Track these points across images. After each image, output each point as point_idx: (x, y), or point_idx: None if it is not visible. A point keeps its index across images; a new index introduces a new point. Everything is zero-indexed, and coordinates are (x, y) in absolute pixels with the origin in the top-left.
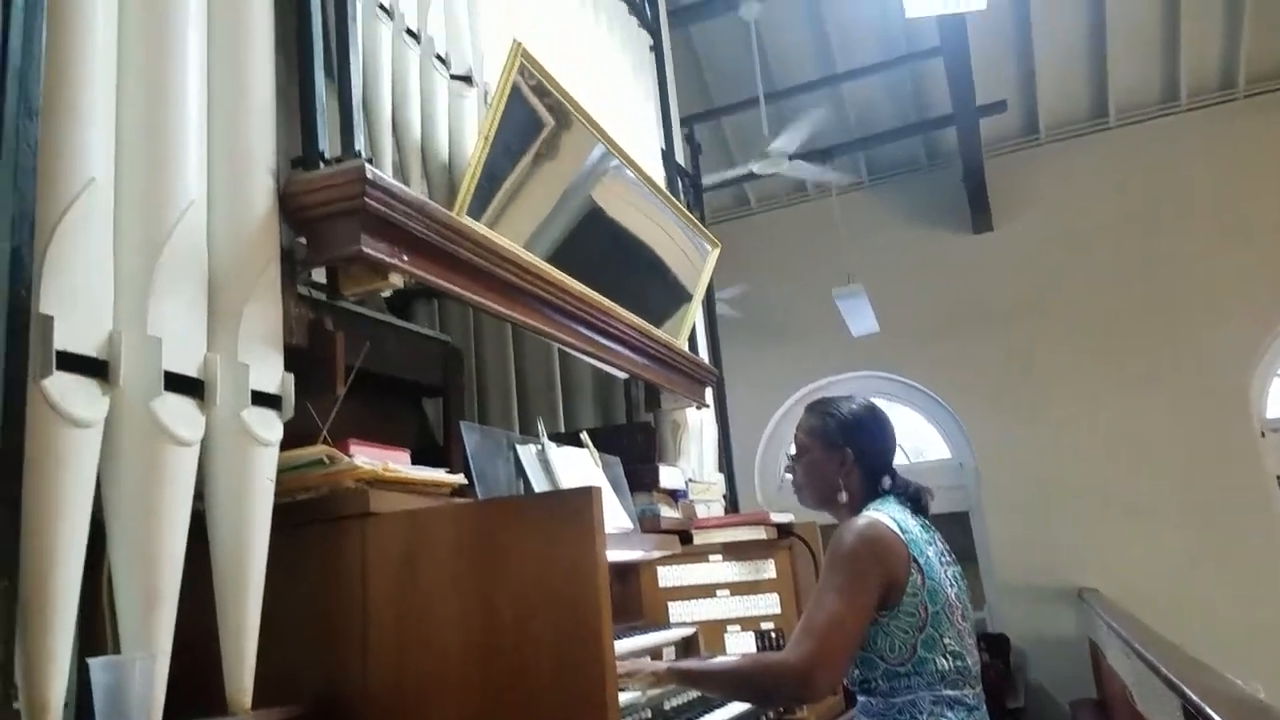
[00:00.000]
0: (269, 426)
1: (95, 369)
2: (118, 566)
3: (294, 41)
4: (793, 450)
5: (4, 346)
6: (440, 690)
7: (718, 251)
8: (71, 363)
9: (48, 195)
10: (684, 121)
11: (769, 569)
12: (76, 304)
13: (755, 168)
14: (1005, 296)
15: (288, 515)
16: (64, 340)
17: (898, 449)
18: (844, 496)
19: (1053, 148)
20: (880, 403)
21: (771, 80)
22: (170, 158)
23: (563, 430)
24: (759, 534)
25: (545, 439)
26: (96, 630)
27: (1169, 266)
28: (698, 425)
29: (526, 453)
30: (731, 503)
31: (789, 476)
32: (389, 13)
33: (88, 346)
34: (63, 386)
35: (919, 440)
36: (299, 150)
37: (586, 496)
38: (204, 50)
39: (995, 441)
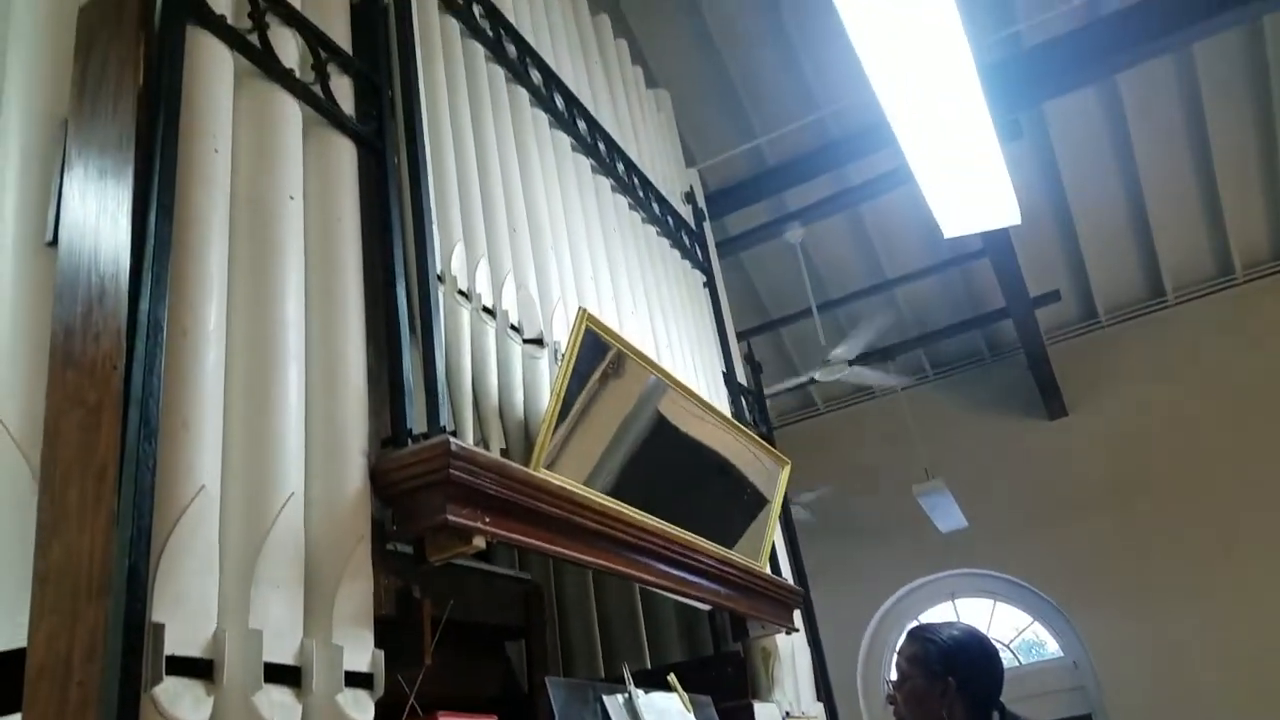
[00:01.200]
0: (361, 708)
1: (201, 670)
2: None
3: (383, 331)
4: (894, 676)
5: (121, 661)
6: None
7: (789, 469)
8: (179, 666)
9: (161, 508)
10: (741, 336)
11: None
12: (185, 607)
13: (818, 375)
14: (1094, 480)
15: None
16: (173, 645)
17: (1006, 651)
18: None
19: (1115, 329)
20: (981, 602)
21: (824, 290)
22: (272, 455)
23: (649, 665)
24: None
25: (632, 686)
26: None
27: (1264, 437)
28: (789, 651)
29: (614, 704)
30: None
31: (891, 706)
32: (467, 296)
33: (194, 648)
34: (171, 693)
35: (1027, 638)
36: (388, 430)
37: None
38: (303, 351)
39: (1108, 634)
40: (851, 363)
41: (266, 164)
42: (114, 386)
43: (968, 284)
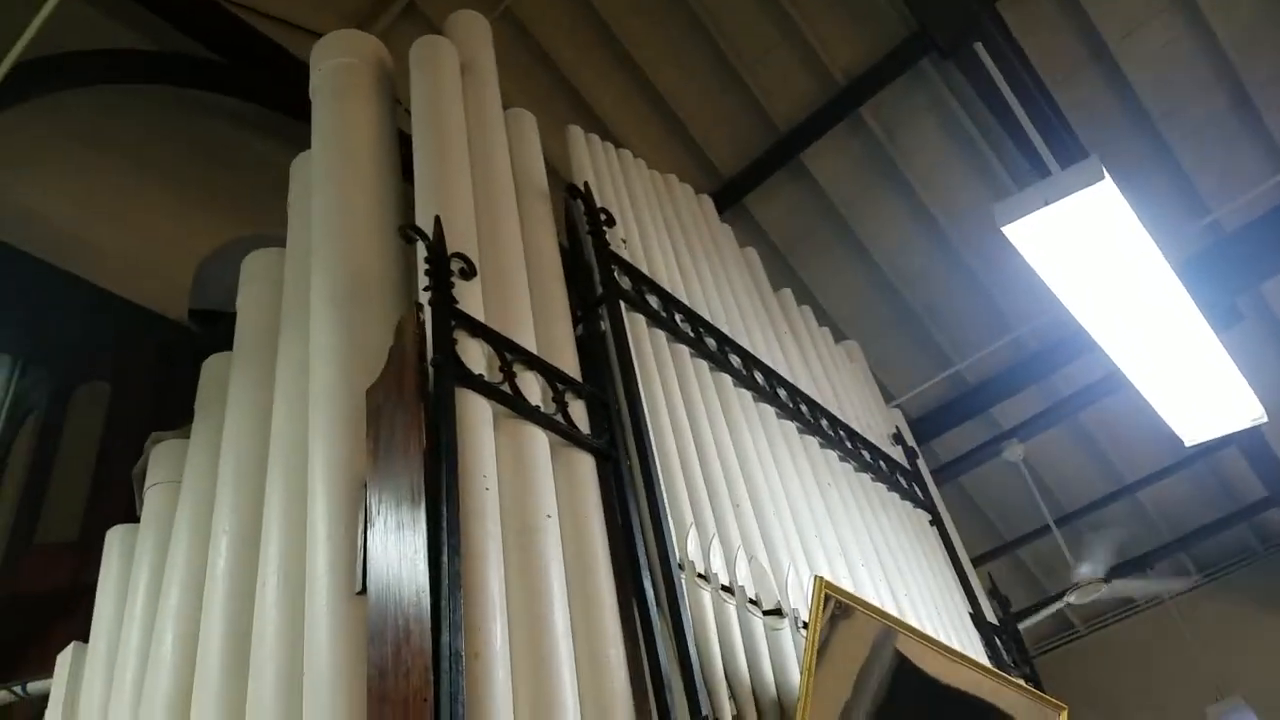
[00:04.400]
0: None
1: None
2: None
3: (636, 624)
4: None
5: None
6: None
7: (1065, 714)
8: None
9: None
10: (976, 562)
11: None
12: None
13: (1072, 599)
14: None
15: None
16: None
17: None
18: None
19: None
20: None
21: (1058, 505)
22: None
23: None
24: None
25: None
26: None
27: None
28: None
29: None
30: None
31: None
32: (706, 578)
33: None
34: None
35: None
36: None
37: None
38: (573, 657)
39: None
40: (1107, 578)
41: (526, 490)
42: (426, 717)
43: (1219, 476)
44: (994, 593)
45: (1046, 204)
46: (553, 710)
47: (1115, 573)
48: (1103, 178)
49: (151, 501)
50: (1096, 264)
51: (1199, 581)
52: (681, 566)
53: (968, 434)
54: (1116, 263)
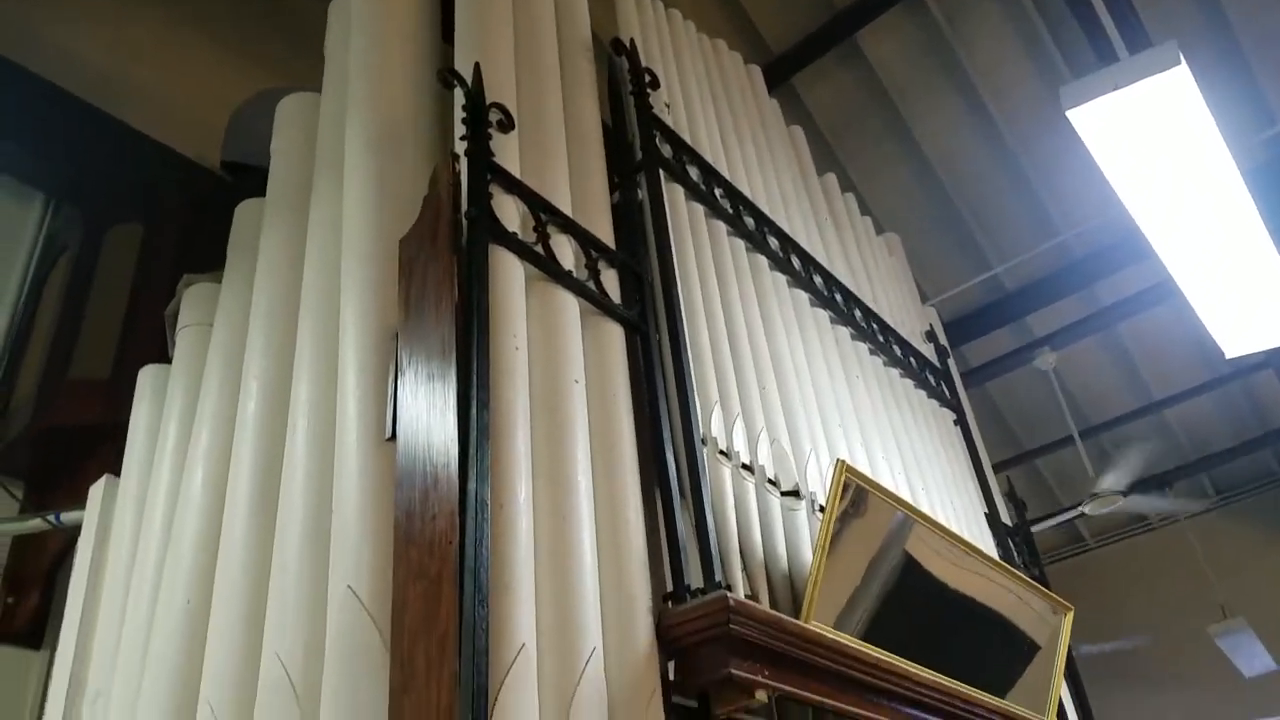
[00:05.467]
0: None
1: None
2: None
3: (656, 494)
4: None
5: None
6: None
7: (1071, 616)
8: None
9: (492, 666)
10: (995, 470)
11: None
12: None
13: (1088, 509)
14: None
15: None
16: None
17: None
18: None
19: None
20: None
21: (1083, 417)
22: (576, 613)
23: None
24: None
25: None
26: None
27: None
28: None
29: None
30: None
31: None
32: (727, 455)
33: None
34: None
35: None
36: (667, 588)
37: None
38: (594, 517)
39: None
40: (1126, 492)
41: (555, 354)
42: (451, 559)
43: (1251, 398)
44: (1011, 495)
45: (1116, 88)
46: (572, 562)
47: (1134, 488)
48: (1179, 63)
49: (183, 343)
50: (1161, 159)
51: (1215, 504)
52: (704, 442)
53: (998, 342)
54: (1182, 159)
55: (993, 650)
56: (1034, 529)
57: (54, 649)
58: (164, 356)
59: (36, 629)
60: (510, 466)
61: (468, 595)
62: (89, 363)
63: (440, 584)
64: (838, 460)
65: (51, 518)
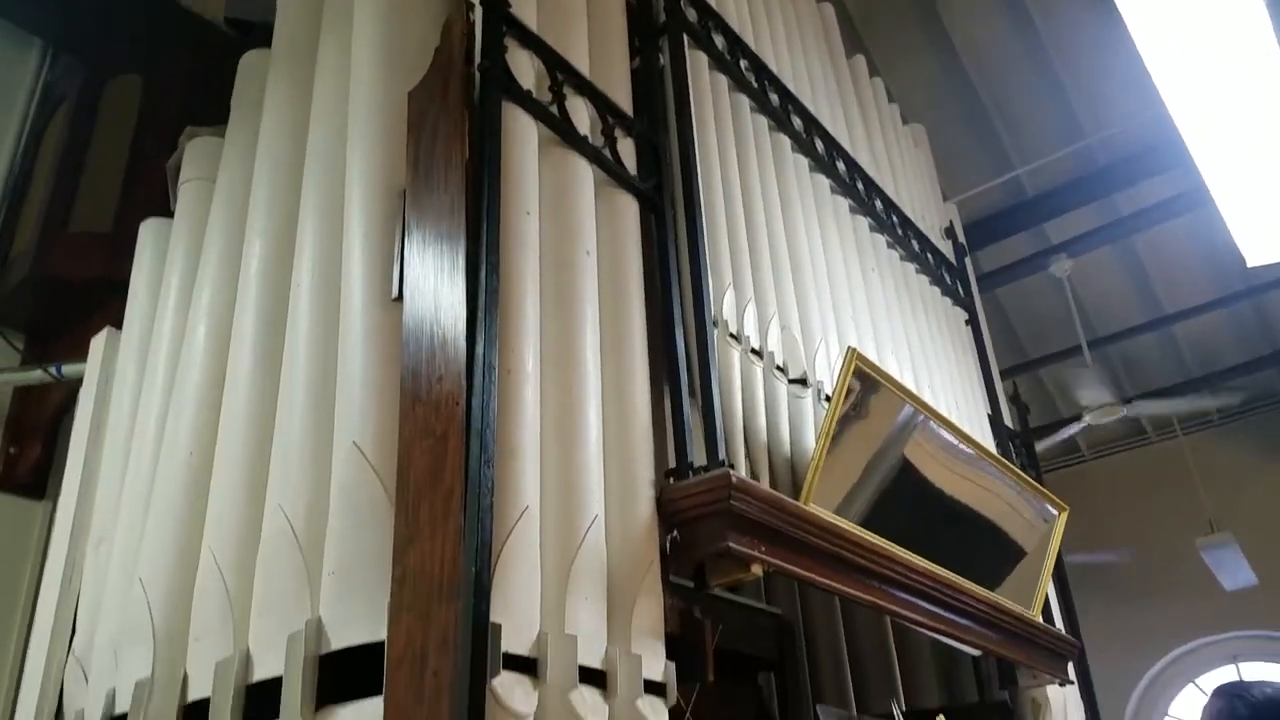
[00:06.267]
0: (658, 714)
1: (526, 667)
2: None
3: (663, 374)
4: None
5: (470, 652)
6: None
7: (1065, 516)
8: (512, 662)
9: (496, 524)
10: (1001, 375)
11: None
12: (515, 611)
13: (1090, 419)
14: None
15: None
16: (507, 643)
17: None
18: None
19: None
20: (1269, 666)
21: (1091, 328)
22: (579, 481)
23: (904, 710)
24: None
25: None
26: None
27: None
28: (1061, 704)
29: None
30: None
31: None
32: (737, 339)
33: (522, 647)
34: (507, 685)
35: None
36: (670, 464)
37: None
38: (600, 390)
39: None
40: (1129, 400)
41: (567, 223)
42: (457, 419)
43: (1262, 316)
44: (1015, 399)
45: None
46: (577, 429)
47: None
48: None
49: (185, 197)
50: (1206, 48)
51: (1214, 419)
52: (715, 324)
53: (1013, 248)
54: (1228, 48)
55: (984, 551)
56: (1038, 445)
57: (56, 500)
58: (166, 210)
59: (39, 480)
60: (518, 333)
61: (474, 456)
62: (90, 215)
63: (446, 442)
64: (849, 348)
65: (53, 369)
